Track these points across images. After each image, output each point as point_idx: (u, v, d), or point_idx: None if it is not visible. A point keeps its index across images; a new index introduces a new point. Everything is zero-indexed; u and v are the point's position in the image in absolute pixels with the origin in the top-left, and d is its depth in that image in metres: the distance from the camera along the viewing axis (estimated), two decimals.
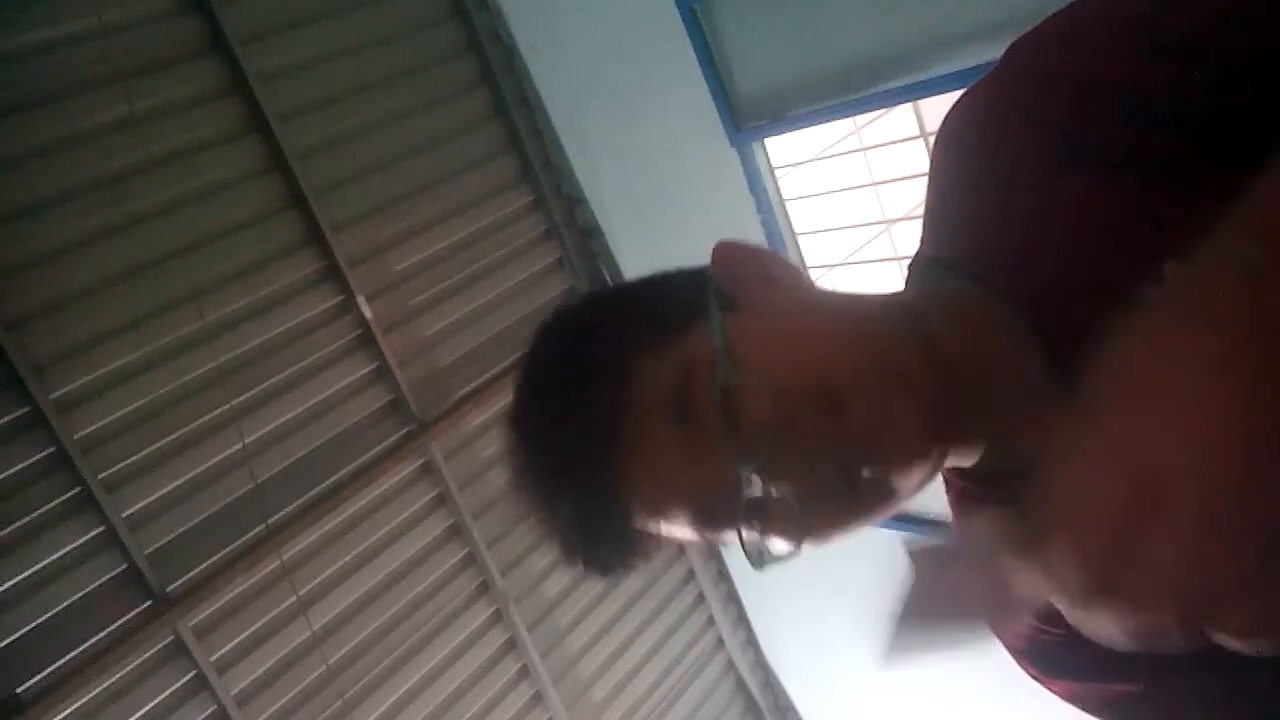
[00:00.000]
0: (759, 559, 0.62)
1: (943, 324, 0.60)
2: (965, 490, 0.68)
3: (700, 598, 3.88)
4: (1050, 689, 0.66)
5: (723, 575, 3.96)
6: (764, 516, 0.58)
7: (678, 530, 0.64)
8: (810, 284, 0.66)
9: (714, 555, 3.93)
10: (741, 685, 4.03)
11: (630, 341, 0.61)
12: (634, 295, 0.69)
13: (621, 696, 3.57)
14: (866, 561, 3.45)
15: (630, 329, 0.62)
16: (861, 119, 3.08)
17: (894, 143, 3.07)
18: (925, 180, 0.68)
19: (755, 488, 0.57)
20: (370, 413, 3.01)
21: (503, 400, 3.26)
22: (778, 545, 0.61)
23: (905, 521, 3.31)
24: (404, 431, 3.05)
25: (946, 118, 0.65)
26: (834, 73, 2.78)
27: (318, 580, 2.83)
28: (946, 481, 0.69)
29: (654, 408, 0.59)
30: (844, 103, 2.81)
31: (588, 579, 3.60)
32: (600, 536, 0.67)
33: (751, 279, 0.63)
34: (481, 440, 3.26)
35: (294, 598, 2.74)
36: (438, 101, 3.22)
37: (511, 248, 3.40)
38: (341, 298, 2.95)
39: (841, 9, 2.67)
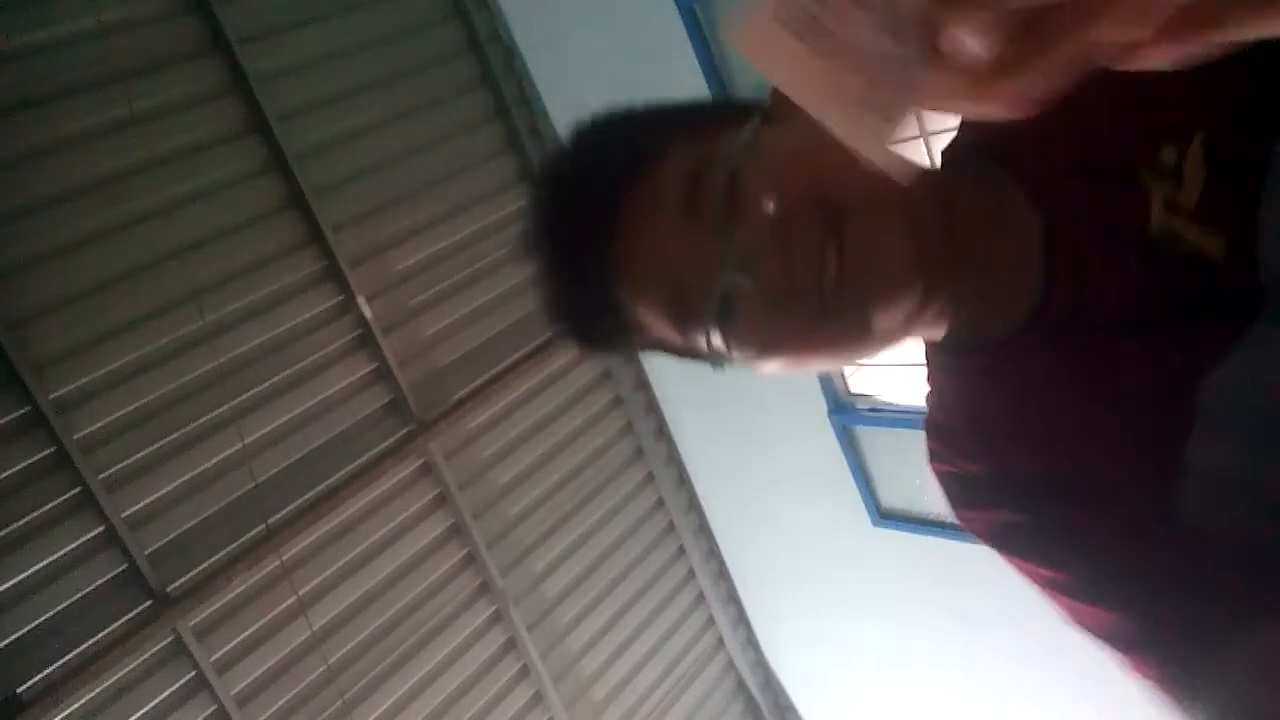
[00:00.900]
0: (718, 359, 0.63)
1: (959, 194, 0.62)
2: (941, 362, 0.70)
3: (700, 598, 3.89)
4: (964, 521, 0.69)
5: (723, 575, 3.96)
6: (734, 313, 0.59)
7: (650, 316, 0.64)
8: None
9: (713, 554, 3.93)
10: (741, 685, 4.03)
11: (671, 124, 0.65)
12: (693, 101, 0.72)
13: (621, 696, 3.57)
14: (867, 561, 3.46)
15: (676, 117, 0.66)
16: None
17: (893, 143, 3.07)
18: None
19: (733, 278, 0.58)
20: (370, 413, 3.01)
21: (503, 401, 3.24)
22: (737, 348, 0.61)
23: (911, 522, 3.30)
24: (404, 431, 3.05)
25: None
26: None
27: (318, 580, 2.83)
28: (925, 353, 0.72)
29: (669, 186, 0.61)
30: None
31: (588, 579, 3.61)
32: (583, 296, 0.66)
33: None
34: (481, 440, 3.26)
35: (294, 598, 2.74)
36: (438, 101, 3.22)
37: (512, 247, 3.40)
38: (341, 298, 2.95)
39: None
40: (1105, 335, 0.60)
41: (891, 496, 3.29)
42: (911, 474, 3.17)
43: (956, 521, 0.70)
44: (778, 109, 0.62)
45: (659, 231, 0.61)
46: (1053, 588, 0.62)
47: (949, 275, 0.59)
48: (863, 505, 3.32)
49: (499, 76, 3.35)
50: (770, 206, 0.56)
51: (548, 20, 3.33)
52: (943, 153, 0.70)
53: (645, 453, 3.73)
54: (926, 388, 0.73)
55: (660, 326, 0.65)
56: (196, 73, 2.74)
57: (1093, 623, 0.59)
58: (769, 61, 0.37)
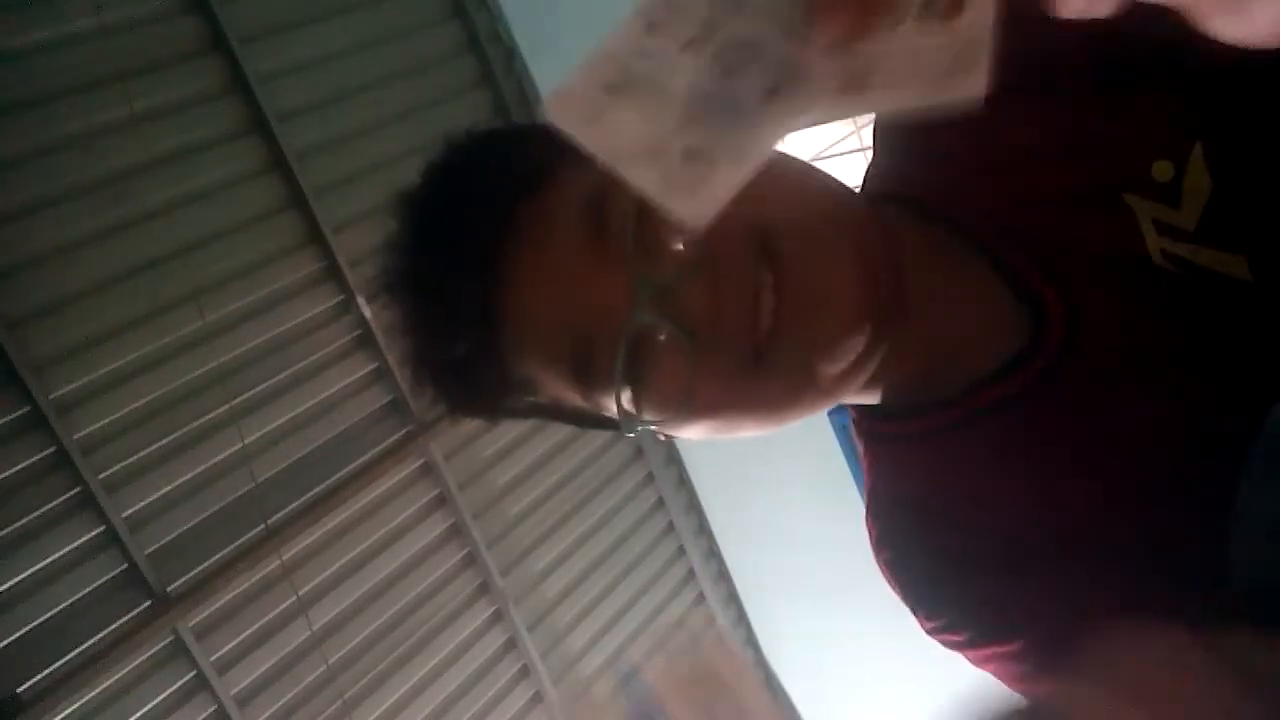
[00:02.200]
0: (628, 424, 0.52)
1: (905, 230, 0.54)
2: (873, 430, 0.61)
3: (700, 598, 3.89)
4: (957, 651, 0.61)
5: (723, 575, 3.96)
6: (648, 365, 0.49)
7: (544, 370, 0.53)
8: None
9: (713, 554, 3.93)
10: None
11: (559, 150, 0.54)
12: None
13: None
14: (868, 561, 3.46)
15: (563, 143, 0.58)
16: (862, 119, 3.07)
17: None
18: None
19: (648, 320, 0.47)
20: (370, 413, 3.01)
21: None
22: (652, 409, 0.51)
23: None
24: (404, 432, 3.05)
25: None
26: None
27: (318, 580, 2.83)
28: (854, 423, 0.63)
29: (564, 211, 0.50)
30: None
31: (587, 579, 3.60)
32: (457, 347, 0.55)
33: None
34: (481, 440, 3.26)
35: (294, 598, 2.74)
36: (438, 102, 3.22)
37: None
38: (341, 298, 2.95)
39: None
40: (1114, 382, 0.52)
41: None
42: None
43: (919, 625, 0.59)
44: None
45: (554, 265, 0.50)
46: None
47: (899, 318, 0.50)
48: (863, 505, 3.31)
49: (499, 77, 3.35)
50: (691, 235, 0.47)
51: (548, 20, 3.33)
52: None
53: (645, 453, 3.73)
54: (863, 464, 0.64)
55: (556, 384, 0.54)
56: (196, 73, 2.74)
57: None
58: (587, 127, 0.33)
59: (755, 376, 0.49)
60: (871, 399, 0.58)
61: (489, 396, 0.58)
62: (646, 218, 0.48)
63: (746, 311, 0.47)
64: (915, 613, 0.61)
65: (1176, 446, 0.51)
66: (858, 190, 0.61)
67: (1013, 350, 0.53)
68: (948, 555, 0.57)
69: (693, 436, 0.56)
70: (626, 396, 0.51)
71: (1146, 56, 0.49)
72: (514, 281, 0.51)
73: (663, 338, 0.48)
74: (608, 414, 0.54)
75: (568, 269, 0.50)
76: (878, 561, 0.63)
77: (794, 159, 0.54)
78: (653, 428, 0.54)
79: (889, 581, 0.63)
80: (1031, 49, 0.52)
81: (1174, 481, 0.51)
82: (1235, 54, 0.48)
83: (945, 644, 0.60)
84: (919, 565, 0.60)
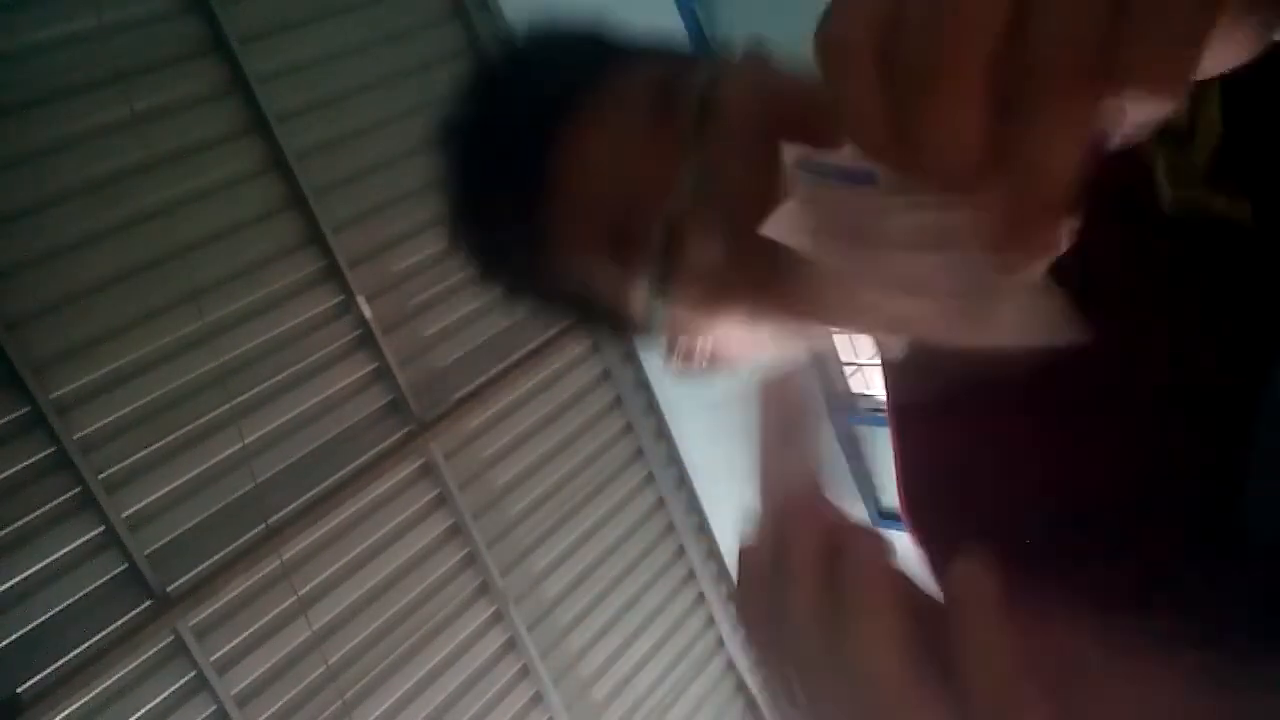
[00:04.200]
0: (647, 311, 0.52)
1: None
2: (908, 389, 0.62)
3: (700, 598, 3.88)
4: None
5: (722, 575, 3.96)
6: (685, 240, 0.48)
7: (582, 240, 0.53)
8: None
9: (713, 554, 3.93)
10: (741, 685, 4.03)
11: (637, 45, 0.55)
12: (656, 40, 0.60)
13: (622, 696, 3.57)
14: None
15: (640, 46, 0.56)
16: None
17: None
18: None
19: (694, 195, 0.47)
20: (370, 413, 3.01)
21: (503, 401, 3.23)
22: (681, 291, 0.50)
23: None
24: (404, 432, 3.05)
25: None
26: None
27: (318, 580, 2.83)
28: (885, 386, 0.64)
29: (632, 94, 0.51)
30: None
31: (588, 579, 3.60)
32: (504, 205, 0.54)
33: (782, 62, 0.55)
34: (481, 440, 3.26)
35: (294, 598, 2.74)
36: (438, 102, 3.21)
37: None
38: (341, 298, 2.95)
39: None
40: (1119, 327, 0.51)
41: (891, 496, 3.29)
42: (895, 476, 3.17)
43: None
44: (751, 55, 0.54)
45: (611, 139, 0.51)
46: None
47: None
48: (863, 505, 3.32)
49: None
50: (753, 127, 0.47)
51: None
52: None
53: (645, 453, 3.73)
54: (890, 437, 0.64)
55: (591, 262, 0.54)
56: (196, 73, 2.74)
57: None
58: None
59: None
60: (895, 350, 0.57)
61: (522, 263, 0.57)
62: (709, 107, 0.49)
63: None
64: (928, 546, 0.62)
65: (1180, 396, 0.51)
66: None
67: None
68: (977, 517, 0.59)
69: (706, 338, 0.55)
70: (656, 274, 0.50)
71: None
72: (569, 153, 0.51)
73: (703, 216, 0.48)
74: (635, 303, 0.53)
75: (624, 143, 0.50)
76: (917, 542, 0.63)
77: None
78: (672, 326, 0.53)
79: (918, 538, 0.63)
80: None
81: (1178, 431, 0.51)
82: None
83: None
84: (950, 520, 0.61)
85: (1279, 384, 0.47)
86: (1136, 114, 0.27)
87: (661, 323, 0.53)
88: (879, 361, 0.59)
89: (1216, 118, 0.49)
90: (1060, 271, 0.52)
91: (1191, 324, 0.52)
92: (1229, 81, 0.47)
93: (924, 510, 0.63)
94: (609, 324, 0.58)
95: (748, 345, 0.56)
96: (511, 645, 3.28)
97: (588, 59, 0.54)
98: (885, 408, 0.66)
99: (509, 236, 0.55)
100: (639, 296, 0.52)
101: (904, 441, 0.65)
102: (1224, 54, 0.29)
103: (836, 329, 0.54)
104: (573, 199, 0.52)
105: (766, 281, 0.46)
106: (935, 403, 0.60)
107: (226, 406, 2.67)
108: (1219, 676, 0.33)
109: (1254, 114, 0.48)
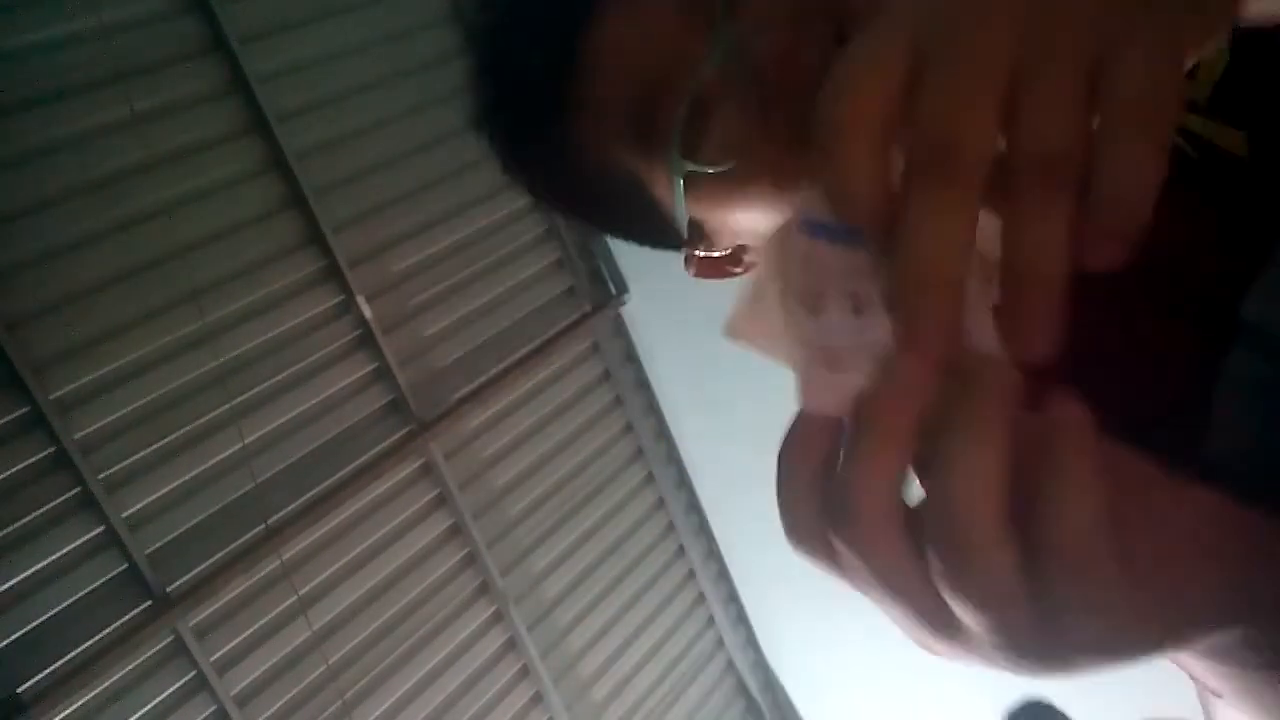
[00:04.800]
0: (676, 172, 0.52)
1: None
2: None
3: (700, 598, 3.89)
4: None
5: (723, 575, 3.96)
6: (711, 113, 0.48)
7: (606, 114, 0.53)
8: None
9: (713, 554, 3.93)
10: (741, 685, 4.03)
11: None
12: None
13: (622, 696, 3.57)
14: None
15: None
16: None
17: None
18: None
19: (722, 63, 0.48)
20: (370, 413, 3.01)
21: (503, 401, 3.23)
22: (706, 159, 0.50)
23: None
24: (404, 432, 3.05)
25: None
26: None
27: (318, 580, 2.83)
28: None
29: None
30: None
31: (588, 579, 3.60)
32: (531, 76, 0.54)
33: None
34: (481, 440, 3.27)
35: (294, 598, 2.74)
36: (438, 102, 3.22)
37: (511, 248, 3.40)
38: (341, 298, 2.95)
39: None
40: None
41: None
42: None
43: None
44: None
45: (640, 14, 0.51)
46: None
47: None
48: None
49: None
50: (784, 4, 0.48)
51: None
52: None
53: (645, 453, 3.73)
54: None
55: (619, 141, 0.53)
56: (196, 73, 2.74)
57: None
58: (770, 341, 0.35)
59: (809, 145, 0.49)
60: None
61: (552, 156, 0.57)
62: None
63: (815, 70, 0.47)
64: None
65: (1170, 317, 0.52)
66: None
67: None
68: None
69: (726, 225, 0.54)
70: (678, 150, 0.50)
71: None
72: (599, 26, 0.51)
73: (730, 87, 0.48)
74: (655, 184, 0.52)
75: (654, 17, 0.50)
76: None
77: None
78: (691, 208, 0.52)
79: None
80: None
81: (1178, 350, 0.52)
82: None
83: None
84: None
85: (1249, 319, 0.48)
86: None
87: (685, 205, 0.52)
88: None
89: (1221, 54, 0.49)
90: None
91: (1190, 248, 0.52)
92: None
93: None
94: (633, 214, 0.57)
95: (769, 228, 0.55)
96: (511, 645, 3.29)
97: None
98: None
99: (538, 129, 0.55)
100: (664, 176, 0.52)
101: None
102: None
103: None
104: (599, 80, 0.51)
105: (795, 152, 0.46)
106: None
107: (226, 406, 2.67)
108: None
109: (1255, 51, 0.49)
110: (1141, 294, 0.52)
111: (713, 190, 0.52)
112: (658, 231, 0.59)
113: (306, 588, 2.79)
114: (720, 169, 0.50)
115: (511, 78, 0.56)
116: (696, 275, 0.62)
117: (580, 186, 0.59)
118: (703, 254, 0.59)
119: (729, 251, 0.59)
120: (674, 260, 0.71)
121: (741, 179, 0.51)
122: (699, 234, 0.57)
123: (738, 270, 0.60)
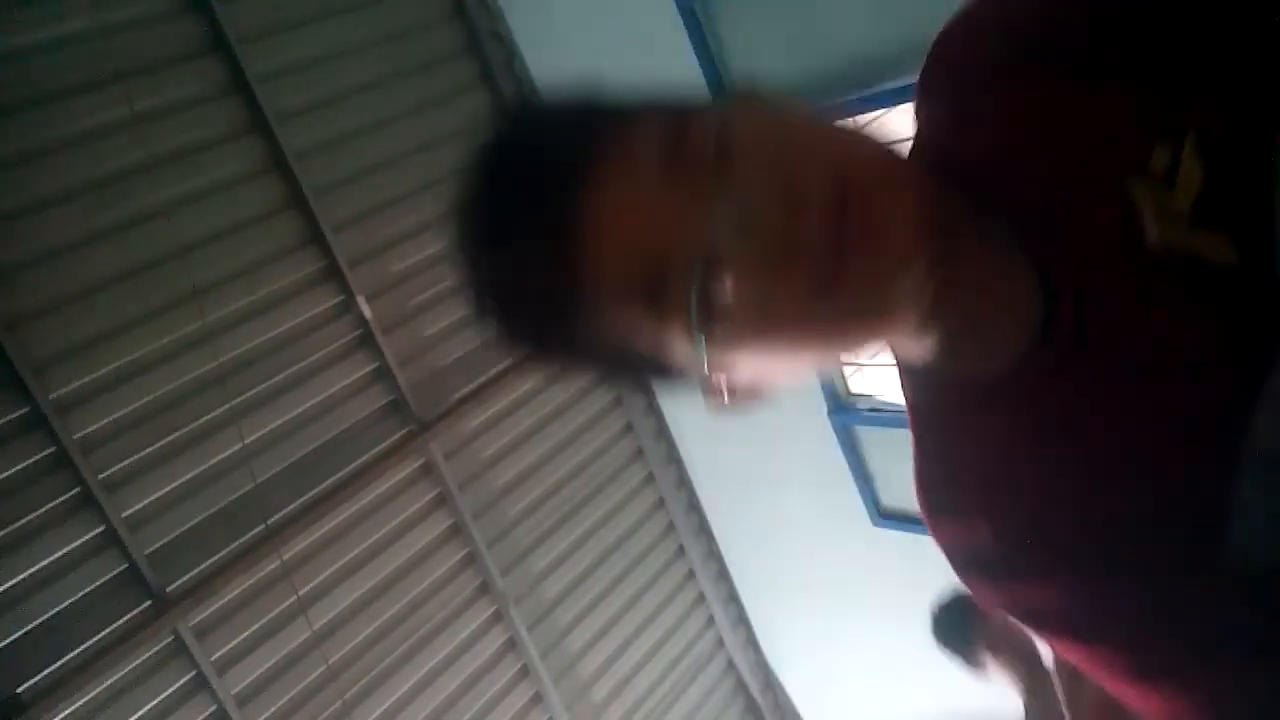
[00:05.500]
0: (690, 355, 0.54)
1: (945, 195, 0.58)
2: (924, 393, 0.65)
3: (700, 598, 3.89)
4: (984, 595, 0.63)
5: (723, 575, 3.96)
6: (722, 283, 0.50)
7: (618, 298, 0.54)
8: None
9: (713, 554, 3.93)
10: (741, 685, 4.03)
11: (637, 100, 0.56)
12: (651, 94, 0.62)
13: (622, 696, 3.57)
14: (868, 561, 3.46)
15: (640, 96, 0.57)
16: (861, 119, 3.07)
17: (895, 142, 3.06)
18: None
19: (726, 237, 0.49)
20: (370, 413, 3.01)
21: (503, 401, 3.22)
22: (724, 330, 0.52)
23: (911, 522, 3.28)
24: (404, 432, 3.05)
25: (934, 40, 0.65)
26: (833, 72, 2.78)
27: (318, 580, 2.83)
28: (901, 380, 0.67)
29: (645, 147, 0.52)
30: (844, 102, 2.81)
31: (588, 579, 3.59)
32: (534, 277, 0.55)
33: (775, 97, 0.58)
34: (481, 440, 3.26)
35: (294, 598, 2.74)
36: (438, 102, 3.22)
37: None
38: (341, 298, 2.95)
39: (841, 9, 2.67)
40: (1119, 364, 0.55)
41: (891, 496, 3.29)
42: (911, 474, 3.17)
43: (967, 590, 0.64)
44: (748, 95, 0.56)
45: (632, 192, 0.51)
46: (1113, 670, 0.56)
47: (949, 262, 0.53)
48: (862, 505, 3.32)
49: (499, 76, 3.35)
50: (773, 159, 0.49)
51: (547, 20, 3.33)
52: None
53: (645, 453, 3.73)
54: (910, 433, 0.67)
55: (627, 317, 0.54)
56: (196, 73, 2.74)
57: (1171, 697, 0.54)
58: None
59: (825, 296, 0.50)
60: (917, 350, 0.60)
61: (558, 330, 0.58)
62: (725, 148, 0.50)
63: (822, 232, 0.48)
64: (967, 582, 0.64)
65: (1177, 426, 0.54)
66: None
67: (1032, 326, 0.57)
68: (999, 529, 0.61)
69: (749, 370, 0.57)
70: (696, 320, 0.51)
71: (1139, 45, 0.53)
72: (592, 210, 0.52)
73: (738, 258, 0.50)
74: (676, 348, 0.54)
75: (645, 195, 0.51)
76: (934, 536, 0.66)
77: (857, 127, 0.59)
78: (714, 365, 0.55)
79: (945, 553, 0.66)
80: (1036, 25, 0.56)
81: (1178, 458, 0.54)
82: (1225, 46, 0.50)
83: (1003, 608, 0.63)
84: (973, 541, 0.63)
85: (1258, 430, 0.49)
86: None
87: (703, 363, 0.54)
88: (897, 365, 0.63)
89: (1197, 167, 0.51)
90: (1060, 304, 0.55)
91: (1189, 356, 0.54)
92: (1206, 133, 0.51)
93: (940, 508, 0.65)
94: (646, 372, 0.60)
95: (786, 373, 0.58)
96: (511, 645, 3.29)
97: (591, 119, 0.55)
98: (905, 409, 0.68)
99: (538, 298, 0.56)
100: (679, 340, 0.54)
101: (921, 442, 0.67)
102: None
103: (881, 341, 0.56)
104: (601, 252, 0.52)
105: (808, 305, 0.50)
106: (951, 404, 0.63)
107: (226, 406, 2.67)
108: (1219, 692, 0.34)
109: (1233, 163, 0.51)
110: (1156, 406, 0.54)
111: (731, 349, 0.53)
112: (667, 377, 0.61)
113: (306, 588, 2.79)
114: (741, 330, 0.52)
115: (504, 264, 0.58)
116: (716, 411, 0.64)
117: (597, 360, 0.61)
118: (722, 396, 0.60)
119: (747, 388, 0.61)
120: None
121: (761, 334, 0.52)
122: (718, 384, 0.59)
123: (755, 401, 0.62)
